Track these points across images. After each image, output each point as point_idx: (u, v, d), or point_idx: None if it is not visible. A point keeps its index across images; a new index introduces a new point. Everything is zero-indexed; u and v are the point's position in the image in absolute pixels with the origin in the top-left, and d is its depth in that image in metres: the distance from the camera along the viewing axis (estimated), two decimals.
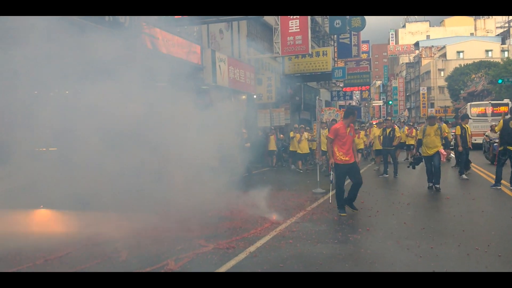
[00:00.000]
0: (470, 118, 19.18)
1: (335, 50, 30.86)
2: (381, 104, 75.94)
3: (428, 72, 65.83)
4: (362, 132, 16.90)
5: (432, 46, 70.32)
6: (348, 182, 7.74)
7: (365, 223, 6.76)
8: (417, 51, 74.36)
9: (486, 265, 4.66)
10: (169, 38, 11.94)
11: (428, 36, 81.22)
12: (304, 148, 14.85)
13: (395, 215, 7.27)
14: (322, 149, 12.40)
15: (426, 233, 6.03)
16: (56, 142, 6.81)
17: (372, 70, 45.50)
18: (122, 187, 6.66)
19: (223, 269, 4.66)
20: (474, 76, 47.53)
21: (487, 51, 61.42)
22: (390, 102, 75.37)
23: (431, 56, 68.38)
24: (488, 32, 76.50)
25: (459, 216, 7.11)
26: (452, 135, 12.66)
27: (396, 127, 13.80)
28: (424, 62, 68.48)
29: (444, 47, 65.13)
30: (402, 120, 23.10)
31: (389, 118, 15.08)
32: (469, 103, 27.47)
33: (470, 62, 52.73)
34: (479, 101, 31.04)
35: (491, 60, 52.31)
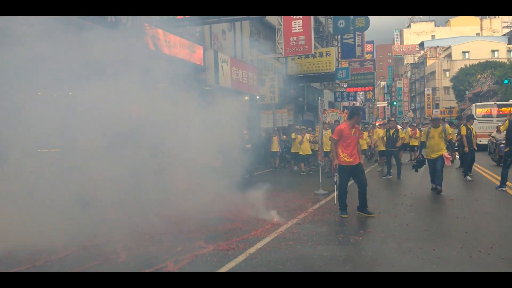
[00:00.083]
0: (475, 119, 19.02)
1: (339, 51, 30.75)
2: (386, 105, 75.72)
3: (433, 73, 65.55)
4: (366, 133, 16.82)
5: (437, 46, 70.04)
6: (351, 183, 7.64)
7: (367, 225, 6.71)
8: (422, 52, 74.06)
9: (489, 267, 4.60)
10: (171, 38, 11.93)
11: (433, 36, 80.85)
12: (305, 149, 14.76)
13: (397, 217, 7.20)
14: (324, 150, 12.34)
15: (428, 235, 5.97)
16: (59, 143, 6.82)
17: (377, 71, 45.42)
18: (123, 187, 6.66)
19: (222, 270, 4.62)
20: (479, 76, 47.28)
21: (493, 51, 61.11)
22: (395, 103, 75.11)
23: (436, 57, 68.10)
24: (494, 32, 76.05)
25: (462, 218, 7.04)
26: (457, 136, 12.49)
27: (399, 128, 13.72)
28: (429, 62, 68.19)
29: (449, 47, 64.85)
30: (405, 121, 22.96)
31: (393, 119, 15.00)
32: (474, 104, 27.32)
33: (475, 62, 52.46)
34: (485, 101, 30.84)
35: (497, 60, 52.00)
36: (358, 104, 39.34)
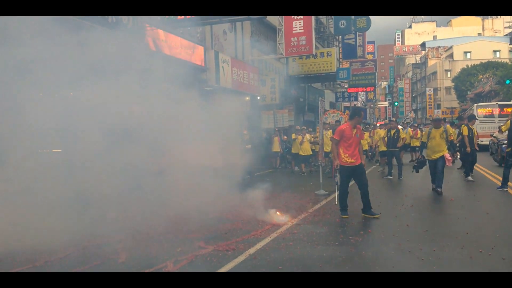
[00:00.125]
0: (477, 119, 18.99)
1: (340, 51, 30.74)
2: (387, 105, 75.58)
3: (434, 73, 65.46)
4: (367, 134, 16.79)
5: (439, 47, 69.90)
6: (352, 183, 7.61)
7: (367, 226, 6.69)
8: (423, 52, 73.95)
9: (489, 268, 4.58)
10: (172, 39, 11.93)
11: (435, 37, 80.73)
12: (305, 150, 14.73)
13: (398, 217, 7.18)
14: (325, 150, 12.32)
15: (429, 236, 5.95)
16: (60, 144, 6.82)
17: (378, 71, 45.41)
18: (123, 188, 6.66)
19: (221, 271, 4.61)
20: (481, 76, 47.16)
21: (495, 51, 60.98)
22: (396, 103, 75.02)
23: (437, 57, 67.98)
24: (496, 32, 75.87)
25: (463, 218, 7.02)
26: (459, 137, 12.44)
27: (400, 128, 13.70)
28: (431, 62, 68.09)
29: (451, 47, 64.73)
30: (405, 122, 22.91)
31: (394, 119, 14.97)
32: (475, 104, 27.29)
33: (477, 62, 52.34)
34: (487, 102, 30.79)
35: (499, 60, 51.87)
36: (359, 105, 39.25)
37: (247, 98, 16.96)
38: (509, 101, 28.24)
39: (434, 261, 4.83)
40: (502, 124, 11.40)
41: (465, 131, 12.09)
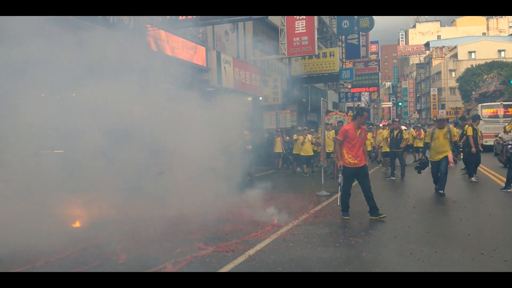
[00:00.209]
0: (481, 119, 18.87)
1: (343, 51, 30.67)
2: (391, 105, 75.39)
3: (438, 73, 65.18)
4: (370, 134, 16.72)
5: (443, 47, 69.61)
6: (355, 184, 7.53)
7: (368, 227, 6.64)
8: (427, 52, 73.66)
9: (490, 270, 4.53)
10: (173, 39, 11.92)
11: (439, 36, 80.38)
12: (307, 150, 14.66)
13: (400, 219, 7.13)
14: (327, 151, 12.26)
15: (431, 237, 5.91)
16: (61, 145, 6.82)
17: (382, 71, 45.27)
18: (124, 188, 6.66)
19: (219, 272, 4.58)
20: (486, 76, 46.90)
21: (499, 51, 60.60)
22: (400, 104, 74.79)
23: (442, 57, 67.69)
24: (501, 31, 75.46)
25: (465, 220, 6.96)
26: (463, 138, 12.33)
27: (403, 129, 13.63)
28: (435, 62, 67.79)
29: (455, 47, 64.44)
30: (407, 122, 22.73)
31: (397, 120, 14.89)
32: (480, 104, 27.11)
33: (482, 62, 52.06)
34: (491, 102, 30.60)
35: (504, 60, 51.55)
36: (362, 105, 39.14)
37: (249, 98, 16.92)
38: None
39: (435, 263, 4.78)
40: (507, 124, 11.31)
41: (469, 131, 11.96)
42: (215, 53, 14.27)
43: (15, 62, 5.58)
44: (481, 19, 76.54)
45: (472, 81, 49.55)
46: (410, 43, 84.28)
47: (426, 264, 4.74)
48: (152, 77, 7.43)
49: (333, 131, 13.84)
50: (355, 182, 7.49)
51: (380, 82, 44.68)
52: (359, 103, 37.18)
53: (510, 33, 71.39)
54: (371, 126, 23.49)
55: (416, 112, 73.02)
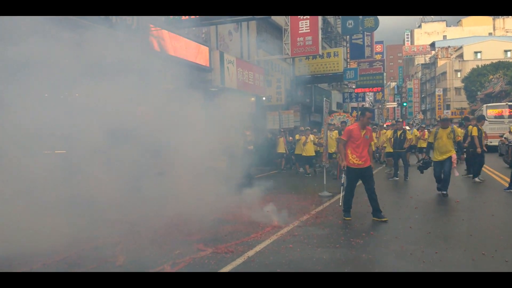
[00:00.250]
0: (486, 120, 18.75)
1: (348, 51, 30.57)
2: (395, 106, 75.05)
3: (444, 73, 64.88)
4: (374, 134, 16.61)
5: (449, 47, 69.26)
6: (359, 183, 7.46)
7: (370, 228, 6.60)
8: (433, 52, 73.32)
9: (491, 271, 4.48)
10: (176, 39, 11.93)
11: (444, 36, 80.00)
12: (308, 150, 14.59)
13: (402, 219, 7.09)
14: (329, 151, 12.21)
15: (432, 238, 5.87)
16: (63, 145, 6.81)
17: (387, 71, 45.07)
18: (124, 189, 6.65)
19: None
20: (491, 77, 46.61)
21: (506, 51, 60.24)
22: (405, 104, 74.42)
23: (447, 57, 67.36)
24: (507, 31, 74.94)
25: (467, 220, 6.90)
26: (468, 138, 12.22)
27: (407, 129, 13.56)
28: (440, 63, 67.48)
29: (461, 47, 64.10)
30: (410, 122, 22.57)
31: (400, 120, 14.81)
32: (485, 105, 26.96)
33: (488, 62, 51.74)
34: (497, 102, 30.40)
35: (510, 60, 51.21)
36: (367, 105, 39.00)
37: (252, 98, 16.90)
38: None
39: (435, 264, 4.75)
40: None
41: (475, 131, 11.86)
42: (218, 53, 14.27)
43: (16, 62, 5.59)
44: (487, 19, 76.07)
45: (478, 81, 49.26)
46: (415, 43, 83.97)
47: (426, 265, 4.70)
48: (154, 78, 7.42)
49: (336, 131, 13.78)
50: (359, 182, 7.43)
51: (385, 82, 44.50)
52: (364, 103, 37.02)
53: None
54: (375, 127, 23.41)
55: (420, 112, 72.66)
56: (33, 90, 5.93)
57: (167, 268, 4.72)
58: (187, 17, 11.07)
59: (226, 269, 4.72)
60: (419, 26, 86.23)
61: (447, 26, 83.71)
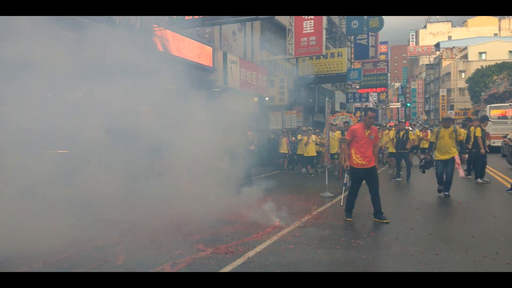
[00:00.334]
0: (490, 120, 18.67)
1: (352, 51, 30.47)
2: (399, 106, 74.83)
3: (448, 74, 64.64)
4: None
5: (454, 47, 68.97)
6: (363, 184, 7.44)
7: (371, 229, 6.59)
8: (437, 52, 73.04)
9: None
10: (180, 39, 11.94)
11: (450, 37, 79.69)
12: (309, 150, 14.57)
13: (403, 220, 7.07)
14: (331, 152, 12.19)
15: (433, 239, 5.85)
16: (65, 145, 6.84)
17: (391, 72, 44.87)
18: (124, 189, 6.67)
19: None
20: (496, 77, 46.38)
21: (511, 52, 59.90)
22: (409, 104, 74.15)
23: (452, 57, 67.09)
24: None
25: (469, 221, 6.88)
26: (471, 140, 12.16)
27: (409, 129, 13.52)
28: (445, 63, 67.23)
29: (465, 48, 63.83)
30: (413, 123, 22.41)
31: (403, 121, 14.76)
32: (488, 105, 26.85)
33: (492, 63, 51.50)
34: (501, 103, 30.26)
35: None
36: (370, 106, 38.89)
37: (255, 99, 16.89)
38: None
39: (435, 265, 4.73)
40: None
41: (478, 132, 11.81)
42: (222, 53, 14.27)
43: (17, 62, 5.62)
44: (493, 19, 75.70)
45: (482, 82, 49.05)
46: (420, 44, 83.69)
47: (427, 267, 4.69)
48: (157, 78, 7.44)
49: (338, 132, 13.76)
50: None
51: (389, 82, 44.38)
52: (367, 103, 36.93)
53: None
54: (378, 127, 23.35)
55: (423, 113, 72.41)
56: (36, 90, 5.96)
57: (167, 268, 4.74)
58: (190, 17, 11.08)
59: (226, 269, 4.73)
60: (425, 27, 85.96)
61: (452, 26, 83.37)
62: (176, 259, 5.05)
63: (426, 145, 15.40)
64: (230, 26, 15.90)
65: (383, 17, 26.52)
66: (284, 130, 17.21)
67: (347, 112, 27.99)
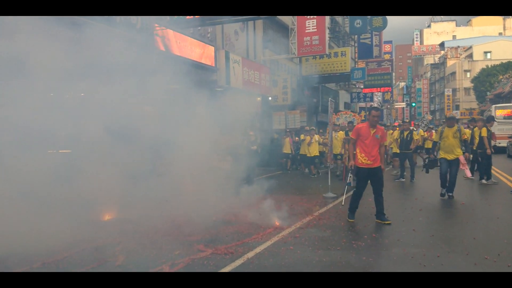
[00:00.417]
0: (495, 121, 18.52)
1: (356, 51, 30.37)
2: (404, 106, 74.53)
3: (453, 73, 64.31)
4: None
5: (458, 47, 68.60)
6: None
7: (372, 230, 6.54)
8: (442, 52, 72.69)
9: None
10: (182, 39, 11.93)
11: (454, 36, 79.27)
12: (313, 150, 14.52)
13: (405, 221, 7.01)
14: (334, 152, 12.13)
15: (435, 241, 5.79)
16: (67, 145, 6.85)
17: (396, 72, 44.68)
18: (125, 189, 6.66)
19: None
20: (501, 77, 46.08)
21: None
22: (414, 104, 73.86)
23: (457, 57, 66.73)
24: None
25: (471, 223, 6.81)
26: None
27: (413, 129, 13.43)
28: (450, 63, 66.88)
29: (470, 47, 63.48)
30: (418, 124, 22.23)
31: (407, 121, 14.67)
32: (494, 105, 26.70)
33: (497, 62, 51.18)
34: (507, 103, 30.07)
35: None
36: (375, 105, 38.72)
37: (258, 98, 16.86)
38: None
39: (436, 268, 4.68)
40: None
41: (484, 132, 11.68)
42: (224, 52, 14.25)
43: (19, 62, 5.62)
44: (498, 19, 75.24)
45: (487, 81, 48.76)
46: (425, 43, 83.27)
47: (427, 269, 4.64)
48: (159, 77, 7.42)
49: (342, 132, 13.69)
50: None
51: (394, 82, 44.21)
52: (372, 103, 36.79)
53: None
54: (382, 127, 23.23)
55: (428, 113, 72.00)
56: (38, 90, 5.96)
57: (166, 268, 4.72)
58: (191, 16, 11.06)
59: (225, 270, 4.70)
60: (429, 26, 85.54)
61: (456, 26, 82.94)
62: (175, 259, 5.03)
63: (431, 145, 15.37)
64: (232, 26, 15.88)
65: (387, 16, 26.41)
66: (287, 130, 17.16)
67: (352, 111, 27.87)
